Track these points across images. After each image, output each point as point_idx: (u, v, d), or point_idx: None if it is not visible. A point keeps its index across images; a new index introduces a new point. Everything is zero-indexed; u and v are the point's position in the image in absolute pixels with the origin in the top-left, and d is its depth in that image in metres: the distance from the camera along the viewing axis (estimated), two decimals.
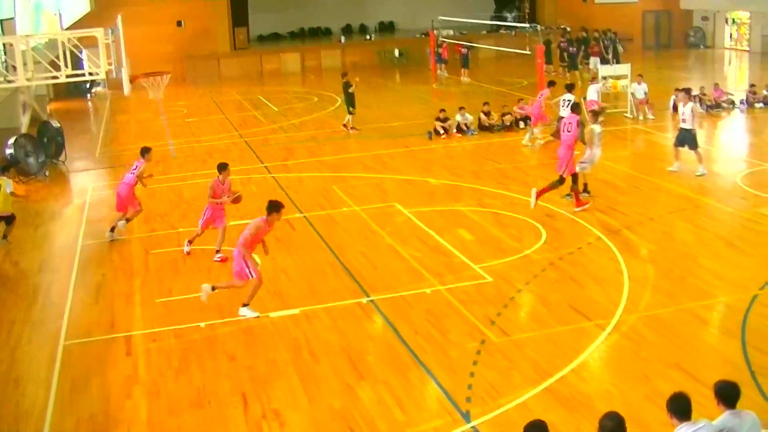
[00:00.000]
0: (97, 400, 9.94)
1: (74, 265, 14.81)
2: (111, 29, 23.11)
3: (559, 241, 14.59)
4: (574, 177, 16.29)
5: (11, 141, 21.39)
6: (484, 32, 45.28)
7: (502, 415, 9.00)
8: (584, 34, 37.73)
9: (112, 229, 15.98)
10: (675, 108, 23.40)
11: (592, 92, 24.11)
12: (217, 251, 14.41)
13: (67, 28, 29.56)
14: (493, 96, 29.40)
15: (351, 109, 25.46)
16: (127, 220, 15.99)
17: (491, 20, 45.71)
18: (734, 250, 13.91)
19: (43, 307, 13.13)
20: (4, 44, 22.37)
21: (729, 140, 23.93)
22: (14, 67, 21.36)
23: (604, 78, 26.80)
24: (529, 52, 30.98)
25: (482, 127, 24.53)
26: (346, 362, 10.47)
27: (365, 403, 9.44)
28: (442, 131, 24.01)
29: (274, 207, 11.79)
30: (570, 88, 21.09)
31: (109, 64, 22.65)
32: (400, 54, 44.13)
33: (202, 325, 11.77)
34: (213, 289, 11.94)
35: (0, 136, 22.11)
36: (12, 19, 24.42)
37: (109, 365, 10.82)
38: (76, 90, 37.06)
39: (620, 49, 37.30)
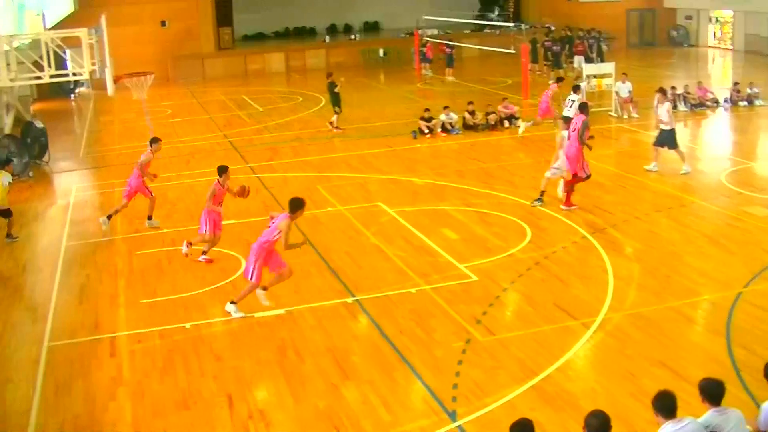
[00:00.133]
0: (81, 401, 9.87)
1: (58, 266, 14.71)
2: (95, 29, 22.99)
3: (544, 240, 14.62)
4: (572, 179, 16.19)
5: None
6: (469, 31, 45.33)
7: (488, 414, 9.00)
8: (568, 33, 37.86)
9: (109, 217, 16.09)
10: None
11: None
12: (204, 252, 14.35)
13: (51, 28, 29.29)
14: (478, 95, 29.42)
15: (337, 108, 25.44)
16: (116, 212, 16.17)
17: (476, 19, 45.78)
18: (719, 248, 13.98)
19: (26, 308, 13.05)
20: None
21: (713, 139, 24.07)
22: None
23: (588, 77, 26.90)
24: (513, 51, 31.04)
25: (467, 127, 24.54)
26: (332, 362, 10.45)
27: (350, 402, 9.42)
28: (426, 131, 23.99)
29: (299, 205, 11.47)
30: (576, 89, 21.32)
31: (93, 64, 22.55)
32: (384, 54, 44.09)
33: (187, 325, 11.72)
34: (264, 289, 11.81)
35: None
36: None
37: (93, 366, 10.74)
38: (59, 90, 36.86)
39: (604, 47, 37.45)
